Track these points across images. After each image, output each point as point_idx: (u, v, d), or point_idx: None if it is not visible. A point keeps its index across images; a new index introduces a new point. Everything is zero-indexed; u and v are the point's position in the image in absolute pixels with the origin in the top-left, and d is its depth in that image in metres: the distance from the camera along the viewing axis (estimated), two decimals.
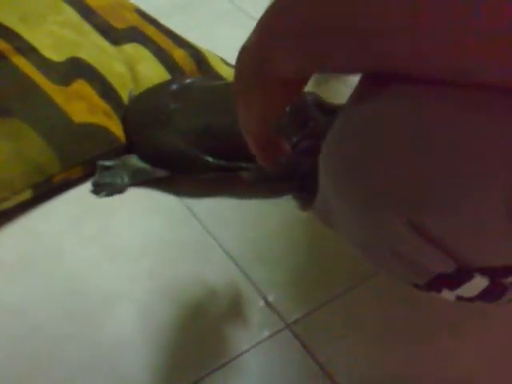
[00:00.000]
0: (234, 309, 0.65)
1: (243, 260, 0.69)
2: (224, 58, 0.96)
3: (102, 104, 0.83)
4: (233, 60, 0.94)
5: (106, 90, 0.84)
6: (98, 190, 0.79)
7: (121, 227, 0.75)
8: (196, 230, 0.73)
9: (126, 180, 0.79)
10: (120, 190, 0.79)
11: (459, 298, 0.40)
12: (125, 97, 0.85)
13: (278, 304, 0.64)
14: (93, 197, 0.78)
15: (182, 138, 0.78)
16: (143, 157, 0.79)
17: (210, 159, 0.76)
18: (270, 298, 0.65)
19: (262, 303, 0.64)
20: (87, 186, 0.80)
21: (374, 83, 0.38)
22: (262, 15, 0.44)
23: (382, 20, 0.34)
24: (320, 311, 0.63)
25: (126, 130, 0.83)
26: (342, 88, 0.91)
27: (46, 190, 0.77)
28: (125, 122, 0.84)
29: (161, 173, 0.78)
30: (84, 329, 0.64)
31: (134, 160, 0.79)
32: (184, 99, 0.81)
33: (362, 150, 0.37)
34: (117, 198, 0.78)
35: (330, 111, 0.83)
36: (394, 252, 0.38)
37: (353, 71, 0.41)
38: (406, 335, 0.61)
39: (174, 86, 0.84)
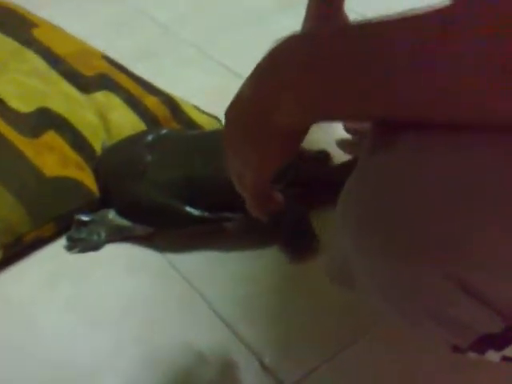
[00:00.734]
0: (227, 375, 0.61)
1: (233, 319, 0.65)
2: (194, 104, 0.94)
3: (73, 156, 0.79)
4: (204, 106, 0.92)
5: (77, 141, 0.80)
6: (72, 245, 0.74)
7: (99, 288, 0.70)
8: (181, 288, 0.69)
9: (103, 236, 0.74)
10: (95, 246, 0.74)
11: (505, 359, 0.38)
12: (97, 147, 0.82)
13: (274, 366, 0.61)
14: (67, 255, 0.73)
15: (161, 191, 0.74)
16: (121, 212, 0.75)
17: (192, 211, 0.73)
18: (266, 360, 0.61)
19: (257, 366, 0.61)
20: (61, 243, 0.75)
21: (394, 132, 0.37)
22: (257, 67, 0.42)
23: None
24: (320, 371, 0.60)
25: (99, 183, 0.79)
26: (319, 134, 0.90)
27: (16, 250, 0.72)
28: (98, 173, 0.80)
29: (141, 230, 0.74)
30: None
31: (111, 215, 0.75)
32: (161, 150, 0.78)
33: (396, 203, 0.35)
34: (93, 256, 0.74)
35: (309, 158, 0.81)
36: (432, 311, 0.36)
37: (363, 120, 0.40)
38: None
39: (150, 137, 0.81)
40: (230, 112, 0.46)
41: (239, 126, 0.45)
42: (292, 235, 0.72)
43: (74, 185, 0.76)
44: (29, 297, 0.69)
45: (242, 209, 0.74)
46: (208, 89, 1.01)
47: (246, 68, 0.43)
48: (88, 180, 0.78)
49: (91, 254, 0.74)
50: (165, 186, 0.74)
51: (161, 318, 0.66)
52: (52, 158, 0.77)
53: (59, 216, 0.74)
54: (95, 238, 0.74)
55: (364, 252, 0.38)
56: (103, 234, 0.74)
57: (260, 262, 0.72)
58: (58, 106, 0.82)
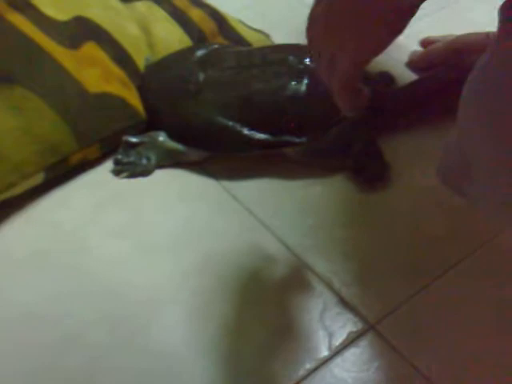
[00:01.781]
0: (303, 309, 0.56)
1: (303, 251, 0.60)
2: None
3: (117, 71, 0.71)
4: (248, 22, 0.84)
5: (119, 55, 0.72)
6: (119, 169, 0.67)
7: (152, 216, 0.64)
8: (243, 218, 0.63)
9: (153, 161, 0.68)
10: (145, 171, 0.68)
11: None
12: (141, 64, 0.74)
13: (355, 301, 0.56)
14: (115, 180, 0.67)
15: (217, 112, 0.67)
16: (172, 135, 0.68)
17: (252, 134, 0.66)
18: (345, 296, 0.56)
19: (336, 301, 0.56)
20: (106, 167, 0.68)
21: None
22: None
23: None
24: (405, 306, 0.55)
25: (144, 103, 0.71)
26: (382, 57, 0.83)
27: (60, 174, 0.65)
28: (143, 93, 0.72)
29: (194, 154, 0.68)
30: (127, 337, 0.54)
31: (162, 138, 0.68)
32: (214, 68, 0.70)
33: None
34: (144, 182, 0.67)
35: (373, 80, 0.74)
36: None
37: None
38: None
39: (200, 53, 0.73)
40: None
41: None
42: (362, 162, 0.66)
43: (120, 103, 0.68)
44: (76, 222, 0.62)
45: (306, 133, 0.69)
46: (251, 5, 0.93)
47: None
48: (134, 99, 0.70)
49: (141, 180, 0.67)
50: (221, 106, 0.67)
51: (222, 249, 0.60)
52: (94, 71, 0.69)
53: (105, 137, 0.67)
54: (144, 161, 0.68)
55: (498, 140, 0.35)
56: (153, 158, 0.68)
57: (326, 191, 0.66)
58: (96, 15, 0.73)
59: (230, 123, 0.66)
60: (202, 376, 0.51)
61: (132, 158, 0.67)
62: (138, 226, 0.63)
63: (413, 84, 0.74)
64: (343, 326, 0.54)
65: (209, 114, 0.67)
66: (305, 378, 0.51)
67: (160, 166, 0.68)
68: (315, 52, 0.46)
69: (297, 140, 0.66)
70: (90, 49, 0.70)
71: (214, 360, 0.52)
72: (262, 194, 0.66)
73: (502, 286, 0.56)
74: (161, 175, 0.68)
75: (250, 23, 0.84)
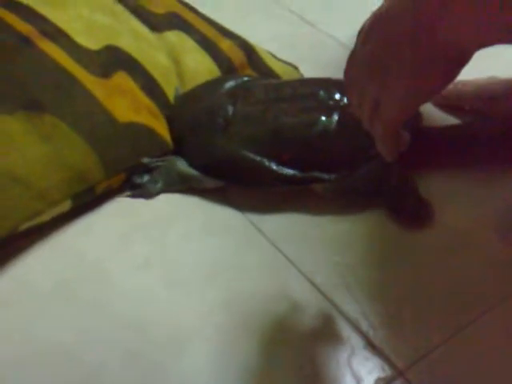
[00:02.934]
0: (330, 352, 0.54)
1: (332, 291, 0.58)
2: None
3: (146, 101, 0.71)
4: (276, 54, 0.83)
5: (149, 85, 0.72)
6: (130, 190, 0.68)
7: (178, 248, 0.63)
8: (269, 253, 0.62)
9: (160, 184, 0.67)
10: (149, 195, 0.67)
11: None
12: (170, 94, 0.74)
13: (383, 345, 0.54)
14: (140, 209, 0.66)
15: (245, 146, 0.66)
16: (194, 164, 0.68)
17: (279, 168, 0.65)
18: (374, 339, 0.55)
19: (364, 344, 0.54)
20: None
21: None
22: None
23: None
24: (436, 353, 0.53)
25: (172, 133, 0.71)
26: None
27: (87, 201, 0.65)
28: (171, 123, 0.72)
29: (211, 182, 0.67)
30: (148, 374, 0.53)
31: (180, 163, 0.68)
32: (243, 100, 0.70)
33: None
34: (169, 211, 0.67)
35: None
36: None
37: None
38: None
39: (229, 85, 0.73)
40: (371, 29, 0.41)
41: (387, 45, 0.40)
42: (399, 199, 0.64)
43: (148, 133, 0.68)
44: (101, 252, 0.62)
45: (336, 170, 0.67)
46: (279, 36, 0.93)
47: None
48: (162, 129, 0.70)
49: (166, 209, 0.67)
50: (249, 140, 0.66)
51: (248, 286, 0.59)
52: (124, 101, 0.69)
53: (132, 166, 0.67)
54: (152, 185, 0.67)
55: None
56: (161, 182, 0.67)
57: (355, 228, 0.64)
58: (127, 44, 0.74)
59: (258, 158, 0.65)
60: None
61: (144, 180, 0.67)
62: (162, 259, 0.62)
63: (455, 127, 0.73)
64: (371, 371, 0.52)
65: (236, 148, 0.66)
66: None
67: (166, 190, 0.68)
68: (356, 95, 0.45)
69: (326, 176, 0.65)
70: (121, 78, 0.70)
71: None
72: (288, 228, 0.65)
73: None
74: (185, 204, 0.67)
75: (278, 55, 0.84)
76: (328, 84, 0.70)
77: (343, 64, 0.48)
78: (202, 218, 0.66)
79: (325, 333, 0.55)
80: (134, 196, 0.67)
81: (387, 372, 0.52)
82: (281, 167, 0.65)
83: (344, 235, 0.63)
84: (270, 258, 0.62)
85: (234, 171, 0.66)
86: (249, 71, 0.80)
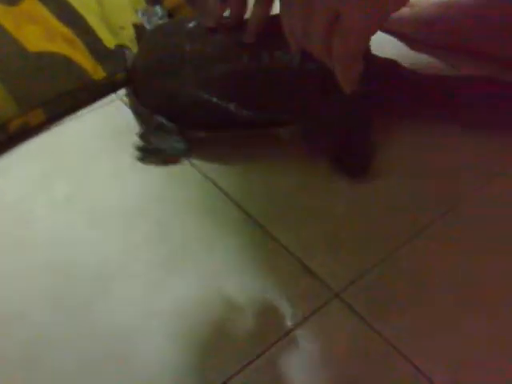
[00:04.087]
0: (266, 280, 0.52)
1: (267, 220, 0.55)
2: None
3: (61, 28, 0.65)
4: None
5: (64, 11, 0.66)
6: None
7: (103, 186, 0.59)
8: (204, 187, 0.58)
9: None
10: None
11: None
12: (91, 20, 0.67)
13: (318, 269, 0.52)
14: (60, 148, 0.62)
15: (202, 87, 0.60)
16: (157, 110, 0.61)
17: (239, 111, 0.59)
18: (309, 264, 0.52)
19: (300, 270, 0.52)
20: (52, 134, 0.63)
21: None
22: None
23: None
24: (371, 274, 0.51)
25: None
26: None
27: (1, 140, 0.60)
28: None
29: (160, 120, 0.61)
30: (72, 314, 0.49)
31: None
32: (203, 40, 0.62)
33: None
34: (93, 150, 0.62)
35: None
36: None
37: None
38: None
39: (192, 24, 0.65)
40: None
41: None
42: (344, 151, 0.59)
43: (64, 62, 0.63)
44: (20, 193, 0.58)
45: (297, 111, 0.60)
46: None
47: None
48: (80, 57, 0.64)
49: (90, 149, 0.62)
50: (207, 80, 0.60)
51: (180, 219, 0.56)
52: (35, 29, 0.63)
53: (48, 100, 0.62)
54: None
55: None
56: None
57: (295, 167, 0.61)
58: None
59: (214, 99, 0.59)
60: (156, 357, 0.48)
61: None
62: (85, 197, 0.58)
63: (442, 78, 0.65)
64: (307, 295, 0.50)
65: (192, 90, 0.60)
66: (268, 349, 0.47)
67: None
68: (298, 8, 0.38)
69: (285, 118, 0.59)
70: (30, 5, 0.64)
71: (169, 337, 0.48)
72: (229, 168, 0.60)
73: (470, 253, 0.53)
74: (114, 143, 0.63)
75: None
76: None
77: None
78: (131, 156, 0.62)
79: (260, 260, 0.53)
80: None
81: (323, 295, 0.50)
82: (239, 109, 0.59)
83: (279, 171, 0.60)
84: (207, 193, 0.58)
85: (191, 114, 0.61)
86: None
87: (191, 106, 0.61)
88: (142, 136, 0.61)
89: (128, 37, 0.69)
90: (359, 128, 0.60)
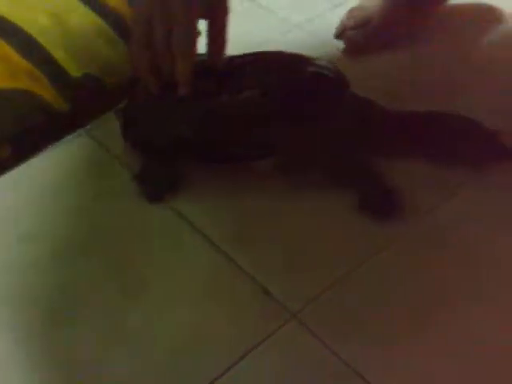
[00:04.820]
0: (223, 301, 0.52)
1: (229, 246, 0.56)
2: None
3: (24, 64, 0.66)
4: None
5: (28, 47, 0.67)
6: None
7: (69, 221, 0.60)
8: (166, 214, 0.58)
9: None
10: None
11: None
12: (56, 53, 0.68)
13: (278, 292, 0.52)
14: (28, 182, 0.63)
15: (183, 124, 0.60)
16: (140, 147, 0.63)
17: (219, 147, 0.60)
18: (268, 286, 0.52)
19: (259, 292, 0.52)
20: (18, 168, 0.63)
21: None
22: None
23: None
24: (326, 294, 0.51)
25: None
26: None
27: None
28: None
29: None
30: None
31: None
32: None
33: None
34: (58, 183, 0.63)
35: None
36: None
37: None
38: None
39: None
40: None
41: None
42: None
43: (28, 97, 0.64)
44: None
45: (276, 145, 0.59)
46: None
47: None
48: (45, 91, 0.65)
49: (53, 184, 0.63)
50: (186, 119, 0.60)
51: (141, 247, 0.57)
52: None
53: (14, 136, 0.63)
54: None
55: None
56: None
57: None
58: (1, 7, 0.69)
59: (195, 137, 0.60)
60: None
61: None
62: (49, 232, 0.58)
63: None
64: (265, 316, 0.50)
65: (175, 129, 0.61)
66: (223, 374, 0.47)
67: None
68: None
69: (265, 152, 0.59)
70: None
71: (131, 356, 0.48)
72: (193, 193, 0.60)
73: (425, 272, 0.53)
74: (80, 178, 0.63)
75: None
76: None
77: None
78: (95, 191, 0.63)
79: (218, 284, 0.53)
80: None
81: (281, 316, 0.50)
82: (219, 146, 0.60)
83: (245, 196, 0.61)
84: (169, 222, 0.58)
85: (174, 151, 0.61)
86: None
87: (177, 143, 0.61)
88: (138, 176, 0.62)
89: (98, 65, 0.70)
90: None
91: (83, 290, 0.53)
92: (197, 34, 0.57)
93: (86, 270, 0.55)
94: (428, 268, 0.53)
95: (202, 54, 0.62)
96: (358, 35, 0.76)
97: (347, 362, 0.47)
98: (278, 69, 0.61)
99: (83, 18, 0.73)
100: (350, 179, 0.59)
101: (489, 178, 0.59)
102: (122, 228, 0.58)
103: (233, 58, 0.63)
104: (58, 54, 0.69)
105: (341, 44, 0.76)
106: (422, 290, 0.52)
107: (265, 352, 0.48)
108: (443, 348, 0.48)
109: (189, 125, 0.60)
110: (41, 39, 0.69)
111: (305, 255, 0.54)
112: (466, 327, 0.49)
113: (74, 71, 0.68)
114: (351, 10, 0.79)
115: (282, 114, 0.59)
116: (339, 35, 0.78)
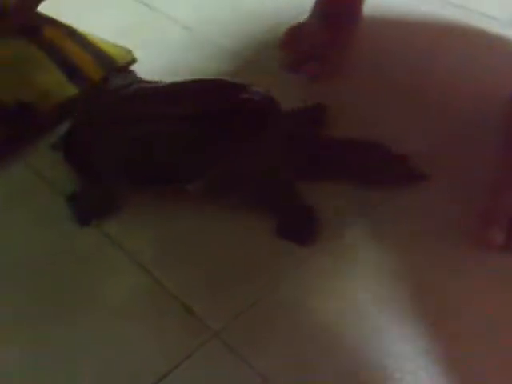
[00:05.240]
0: (141, 320, 0.54)
1: (154, 267, 0.58)
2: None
3: None
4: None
5: None
6: None
7: None
8: (92, 234, 0.61)
9: None
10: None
11: None
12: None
13: (200, 311, 0.54)
14: None
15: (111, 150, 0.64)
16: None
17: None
18: (191, 305, 0.54)
19: (181, 311, 0.54)
20: None
21: None
22: None
23: None
24: (247, 313, 0.54)
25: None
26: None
27: None
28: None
29: None
30: None
31: None
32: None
33: None
34: None
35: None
36: None
37: None
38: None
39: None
40: None
41: None
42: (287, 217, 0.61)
43: None
44: None
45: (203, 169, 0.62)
46: (121, 23, 0.91)
47: None
48: None
49: None
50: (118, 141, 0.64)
51: (69, 269, 0.58)
52: None
53: None
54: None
55: None
56: None
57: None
58: None
59: (129, 160, 0.63)
60: None
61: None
62: None
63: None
64: (187, 336, 0.52)
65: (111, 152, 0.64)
66: None
67: None
68: None
69: (195, 175, 0.62)
70: None
71: None
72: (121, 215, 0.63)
73: (333, 287, 0.56)
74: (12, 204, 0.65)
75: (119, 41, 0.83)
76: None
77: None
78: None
79: (141, 303, 0.55)
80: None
81: (203, 334, 0.52)
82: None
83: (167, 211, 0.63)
84: (99, 245, 0.60)
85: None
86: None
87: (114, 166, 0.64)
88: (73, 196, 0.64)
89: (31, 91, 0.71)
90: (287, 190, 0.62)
91: (6, 315, 0.54)
92: None
93: (12, 295, 0.56)
94: (341, 281, 0.56)
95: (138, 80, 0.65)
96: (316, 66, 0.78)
97: (266, 376, 0.49)
98: (208, 94, 0.65)
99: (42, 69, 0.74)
100: (273, 203, 0.62)
101: (399, 200, 0.63)
102: (53, 253, 0.60)
103: (169, 84, 0.67)
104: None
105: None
106: (337, 303, 0.54)
107: (187, 369, 0.50)
108: (361, 362, 0.51)
109: (122, 149, 0.63)
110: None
111: (228, 275, 0.57)
112: None
113: (6, 97, 0.70)
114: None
115: (212, 138, 0.62)
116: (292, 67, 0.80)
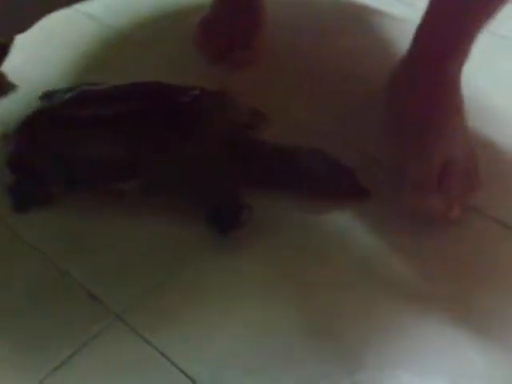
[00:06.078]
0: (52, 307, 0.57)
1: (60, 258, 0.60)
2: None
3: None
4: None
5: None
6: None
7: None
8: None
9: None
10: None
11: None
12: None
13: (104, 296, 0.57)
14: None
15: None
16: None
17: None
18: (95, 292, 0.57)
19: (85, 297, 0.57)
20: None
21: None
22: None
23: None
24: (149, 296, 0.57)
25: None
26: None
27: None
28: None
29: None
30: None
31: None
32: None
33: None
34: None
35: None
36: None
37: None
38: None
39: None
40: None
41: None
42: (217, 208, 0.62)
43: None
44: None
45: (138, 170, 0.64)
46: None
47: None
48: None
49: None
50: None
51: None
52: None
53: None
54: None
55: None
56: None
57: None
58: None
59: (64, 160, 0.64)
60: None
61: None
62: None
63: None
64: (90, 320, 0.55)
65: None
66: (52, 373, 0.52)
67: None
68: None
69: (129, 174, 0.63)
70: None
71: None
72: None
73: (243, 278, 0.60)
74: None
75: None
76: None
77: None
78: None
79: (49, 293, 0.58)
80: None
81: (105, 318, 0.56)
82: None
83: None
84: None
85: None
86: None
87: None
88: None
89: None
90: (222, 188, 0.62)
91: None
92: None
93: None
94: (252, 277, 0.59)
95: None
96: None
97: (168, 355, 0.53)
98: (144, 95, 0.67)
99: None
100: (209, 202, 0.62)
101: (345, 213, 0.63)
102: None
103: (109, 86, 0.69)
104: None
105: None
106: (240, 292, 0.58)
107: (91, 351, 0.53)
108: (256, 329, 0.55)
109: (60, 149, 0.65)
110: None
111: (134, 264, 0.60)
112: None
113: None
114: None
115: (146, 137, 0.63)
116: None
